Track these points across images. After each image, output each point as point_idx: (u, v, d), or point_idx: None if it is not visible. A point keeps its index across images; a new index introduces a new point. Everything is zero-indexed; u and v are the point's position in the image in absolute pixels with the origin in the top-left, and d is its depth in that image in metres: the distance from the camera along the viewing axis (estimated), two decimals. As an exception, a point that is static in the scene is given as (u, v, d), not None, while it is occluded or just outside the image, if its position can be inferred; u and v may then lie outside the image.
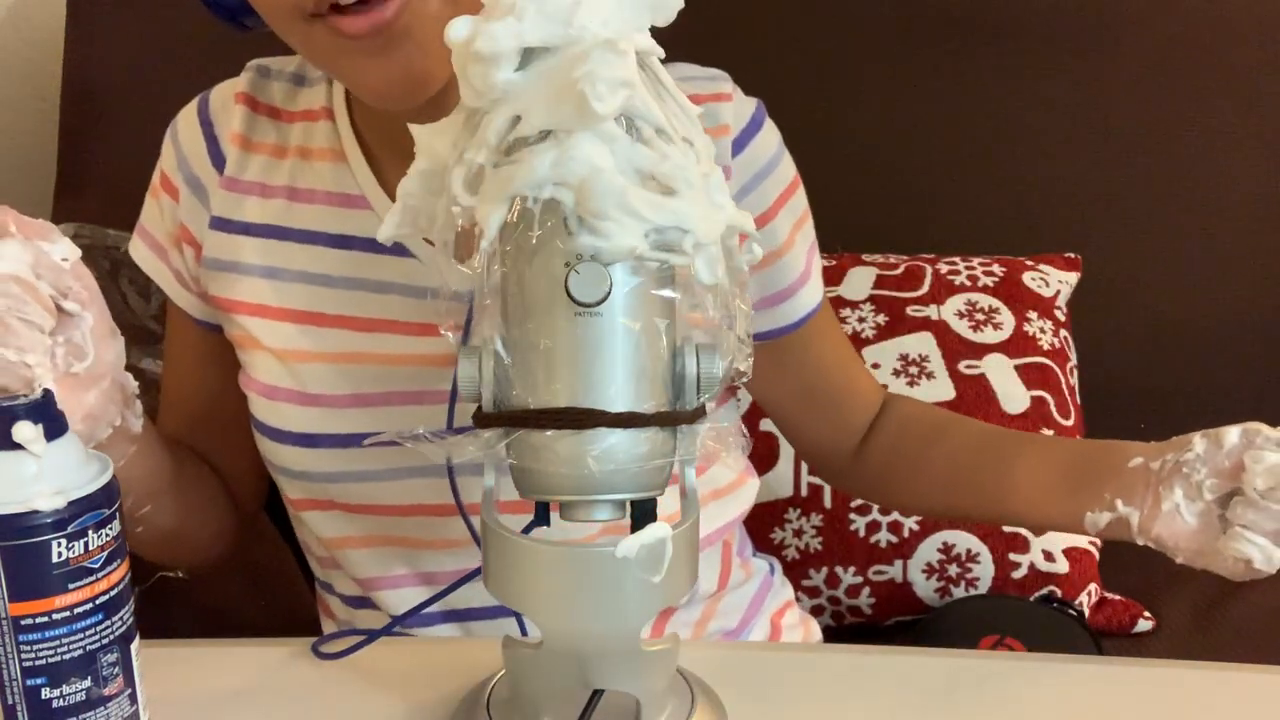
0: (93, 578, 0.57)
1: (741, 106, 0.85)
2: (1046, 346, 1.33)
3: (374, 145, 0.83)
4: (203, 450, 0.91)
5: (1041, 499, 0.83)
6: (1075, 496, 0.80)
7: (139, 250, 0.89)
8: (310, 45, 0.73)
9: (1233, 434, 0.72)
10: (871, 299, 1.33)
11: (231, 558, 0.96)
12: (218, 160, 0.85)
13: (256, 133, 0.85)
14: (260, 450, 0.86)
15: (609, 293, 0.55)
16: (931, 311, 1.31)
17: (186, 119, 0.87)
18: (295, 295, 0.82)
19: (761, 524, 1.25)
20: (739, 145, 0.84)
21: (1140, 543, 0.77)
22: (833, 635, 1.21)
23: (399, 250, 0.80)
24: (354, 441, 0.80)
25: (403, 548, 0.84)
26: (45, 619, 0.57)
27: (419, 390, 0.80)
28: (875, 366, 1.28)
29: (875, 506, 1.24)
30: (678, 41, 0.78)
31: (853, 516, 1.24)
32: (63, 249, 0.67)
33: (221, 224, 0.84)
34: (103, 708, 0.59)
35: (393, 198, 0.81)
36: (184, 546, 0.88)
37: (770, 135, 0.86)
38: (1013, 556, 1.24)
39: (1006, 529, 1.24)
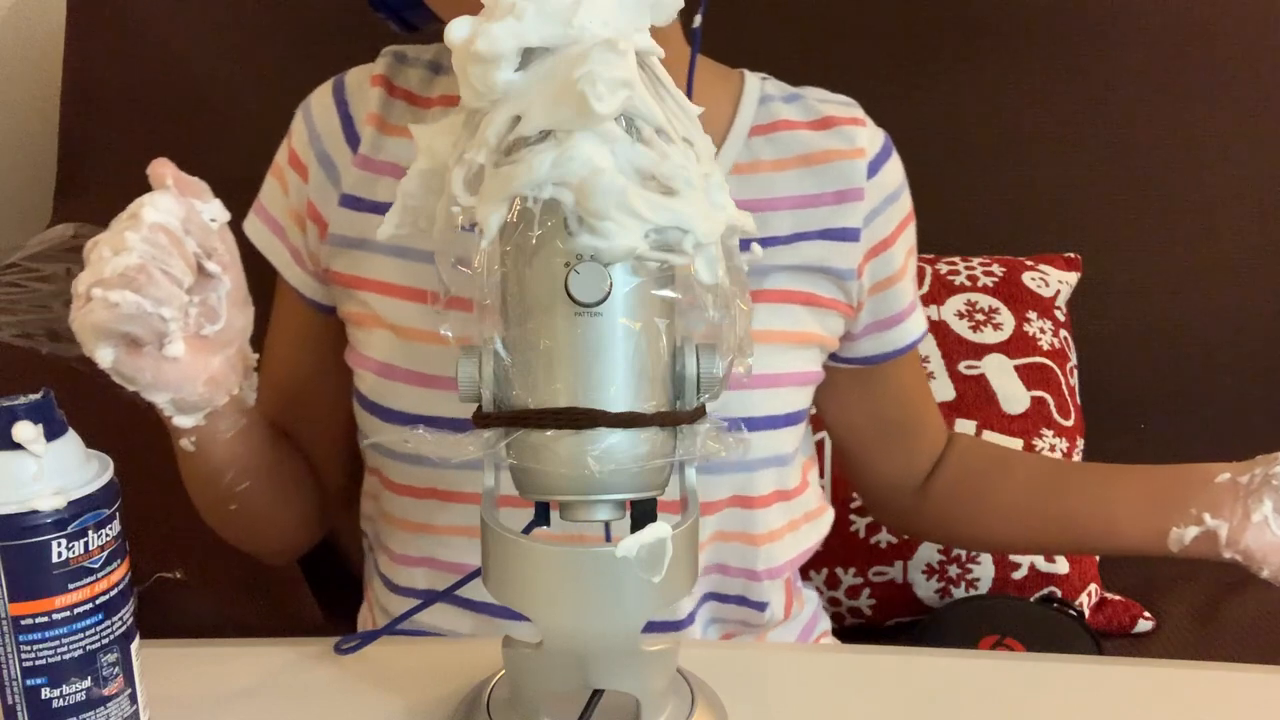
0: (93, 578, 0.57)
1: (874, 133, 0.88)
2: (1046, 347, 1.33)
3: None
4: (293, 433, 0.90)
5: (1124, 520, 0.85)
6: (1160, 514, 0.82)
7: (254, 227, 0.89)
8: None
9: None
10: (871, 299, 1.34)
11: (310, 548, 0.95)
12: (352, 139, 0.85)
13: (393, 115, 0.85)
14: (363, 430, 0.86)
15: (609, 293, 0.55)
16: (931, 312, 1.32)
17: (320, 98, 0.88)
18: (423, 275, 0.82)
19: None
20: (873, 169, 0.87)
21: (1227, 556, 0.80)
22: (833, 636, 1.21)
23: None
24: (468, 427, 0.81)
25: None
26: (45, 619, 0.57)
27: None
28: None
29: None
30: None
31: (853, 517, 1.24)
32: (213, 209, 0.68)
33: (353, 202, 0.84)
34: (103, 708, 0.59)
35: None
36: (272, 529, 0.88)
37: (898, 164, 0.89)
38: (1013, 557, 1.24)
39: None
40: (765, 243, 0.84)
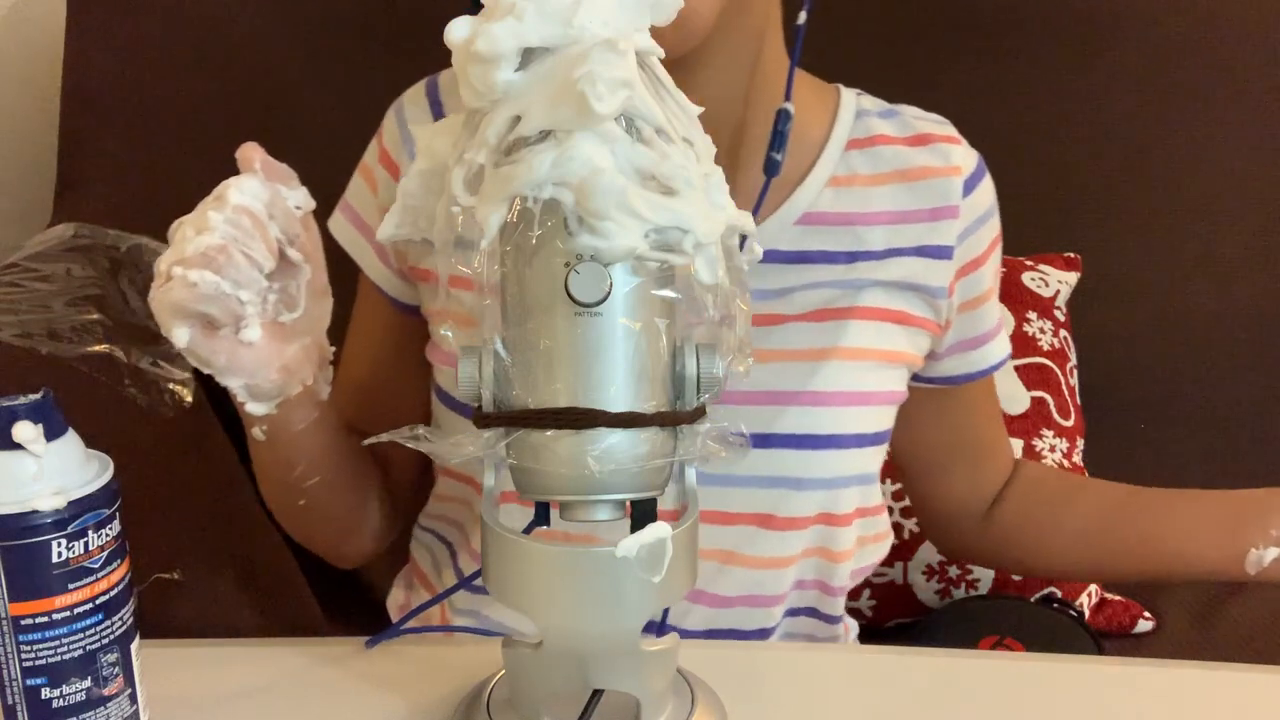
0: (93, 578, 0.57)
1: (969, 152, 0.88)
2: (1046, 347, 1.33)
3: None
4: (368, 432, 0.89)
5: (1200, 543, 0.86)
6: (1236, 536, 0.83)
7: (339, 225, 0.89)
8: None
9: None
10: (871, 299, 1.33)
11: (376, 554, 0.95)
12: None
13: None
14: (437, 425, 0.86)
15: (609, 293, 0.55)
16: (931, 312, 1.31)
17: (413, 98, 0.88)
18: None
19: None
20: (969, 187, 0.87)
21: None
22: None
23: None
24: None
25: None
26: (45, 619, 0.57)
27: None
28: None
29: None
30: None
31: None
32: (298, 197, 0.68)
33: None
34: (103, 708, 0.59)
35: None
36: (341, 528, 0.88)
37: (990, 185, 0.89)
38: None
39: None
40: (859, 257, 0.84)
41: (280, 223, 0.66)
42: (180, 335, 0.64)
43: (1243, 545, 0.83)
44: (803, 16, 0.81)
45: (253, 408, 0.70)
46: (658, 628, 0.82)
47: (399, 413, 0.88)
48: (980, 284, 0.89)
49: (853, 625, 0.98)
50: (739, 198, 0.83)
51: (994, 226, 0.90)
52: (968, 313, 0.89)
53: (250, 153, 0.67)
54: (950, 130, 0.89)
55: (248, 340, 0.66)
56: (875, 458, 0.86)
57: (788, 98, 0.81)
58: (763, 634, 0.85)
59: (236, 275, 0.63)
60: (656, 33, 0.71)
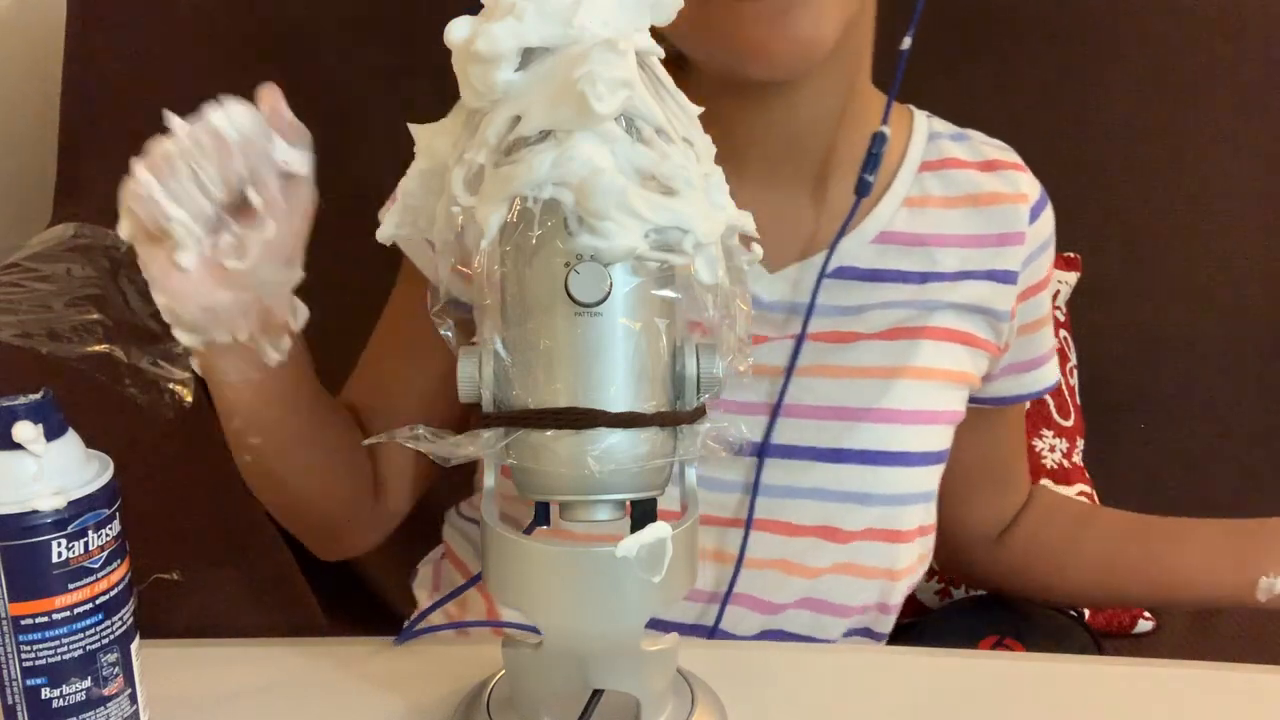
0: (93, 578, 0.57)
1: (1033, 180, 0.91)
2: (1046, 347, 1.33)
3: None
4: (370, 421, 0.88)
5: (1212, 572, 0.88)
6: (1247, 564, 0.85)
7: (411, 243, 0.87)
8: (703, 20, 0.73)
9: None
10: (871, 299, 1.33)
11: (366, 549, 0.94)
12: None
13: None
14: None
15: (609, 293, 0.55)
16: (931, 312, 1.31)
17: None
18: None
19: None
20: (1034, 214, 0.89)
21: None
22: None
23: None
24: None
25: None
26: (45, 619, 0.57)
27: None
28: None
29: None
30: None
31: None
32: (288, 153, 0.65)
33: None
34: (103, 708, 0.59)
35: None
36: (300, 505, 0.87)
37: (1051, 213, 0.91)
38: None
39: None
40: (932, 277, 0.86)
41: (250, 160, 0.63)
42: (122, 227, 0.63)
43: (1254, 573, 0.85)
44: (907, 42, 0.83)
45: (176, 333, 0.67)
46: (709, 633, 0.83)
47: (409, 407, 0.87)
48: (1040, 308, 0.92)
49: None
50: (824, 215, 0.85)
51: (1052, 254, 0.92)
52: (1026, 336, 0.91)
53: (266, 93, 0.65)
54: (1015, 157, 0.91)
55: (180, 264, 0.63)
56: (937, 476, 0.87)
57: (884, 121, 0.84)
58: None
59: (176, 189, 0.61)
60: (777, 57, 0.73)
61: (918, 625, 1.22)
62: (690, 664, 0.68)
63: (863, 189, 0.83)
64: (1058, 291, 1.38)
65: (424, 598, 0.96)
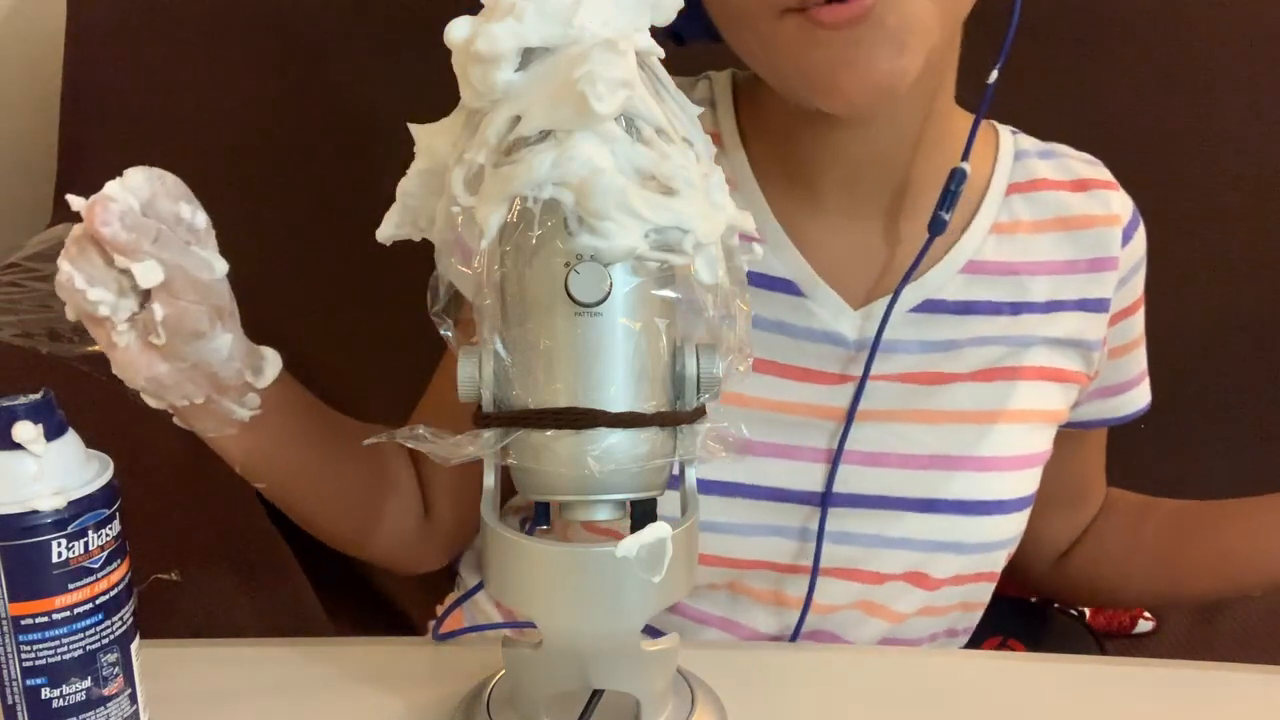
0: (93, 578, 0.57)
1: (1125, 198, 0.87)
2: (1046, 347, 1.33)
3: (766, 177, 0.81)
4: (429, 468, 0.87)
5: (1267, 544, 0.85)
6: None
7: (445, 260, 0.85)
8: (775, 41, 0.69)
9: None
10: (871, 299, 1.33)
11: (426, 568, 0.93)
12: None
13: None
14: None
15: (609, 293, 0.55)
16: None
17: None
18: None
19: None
20: (1127, 236, 0.85)
21: None
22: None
23: None
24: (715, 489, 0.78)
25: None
26: (45, 619, 0.57)
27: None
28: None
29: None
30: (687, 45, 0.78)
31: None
32: (194, 213, 0.64)
33: None
34: (103, 708, 0.59)
35: (787, 230, 0.80)
36: (323, 535, 0.86)
37: (1143, 232, 0.87)
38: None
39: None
40: (1023, 308, 0.82)
41: (160, 228, 0.61)
42: (68, 312, 0.63)
43: None
44: (994, 76, 0.78)
45: (144, 397, 0.67)
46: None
47: None
48: (1132, 330, 0.88)
49: None
50: (899, 244, 0.81)
51: (1144, 276, 0.88)
52: (1116, 360, 0.88)
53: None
54: (1106, 174, 0.88)
55: (118, 343, 0.63)
56: (1027, 517, 0.85)
57: (965, 157, 0.79)
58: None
59: (92, 272, 0.60)
60: (851, 92, 0.68)
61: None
62: (690, 664, 0.68)
63: (937, 227, 0.78)
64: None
65: (470, 579, 0.95)
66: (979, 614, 0.88)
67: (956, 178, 0.78)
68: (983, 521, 0.81)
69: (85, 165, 1.34)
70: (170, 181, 0.64)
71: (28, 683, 0.57)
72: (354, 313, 1.22)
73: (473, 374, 0.57)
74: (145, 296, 0.62)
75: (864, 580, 0.81)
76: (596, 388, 0.55)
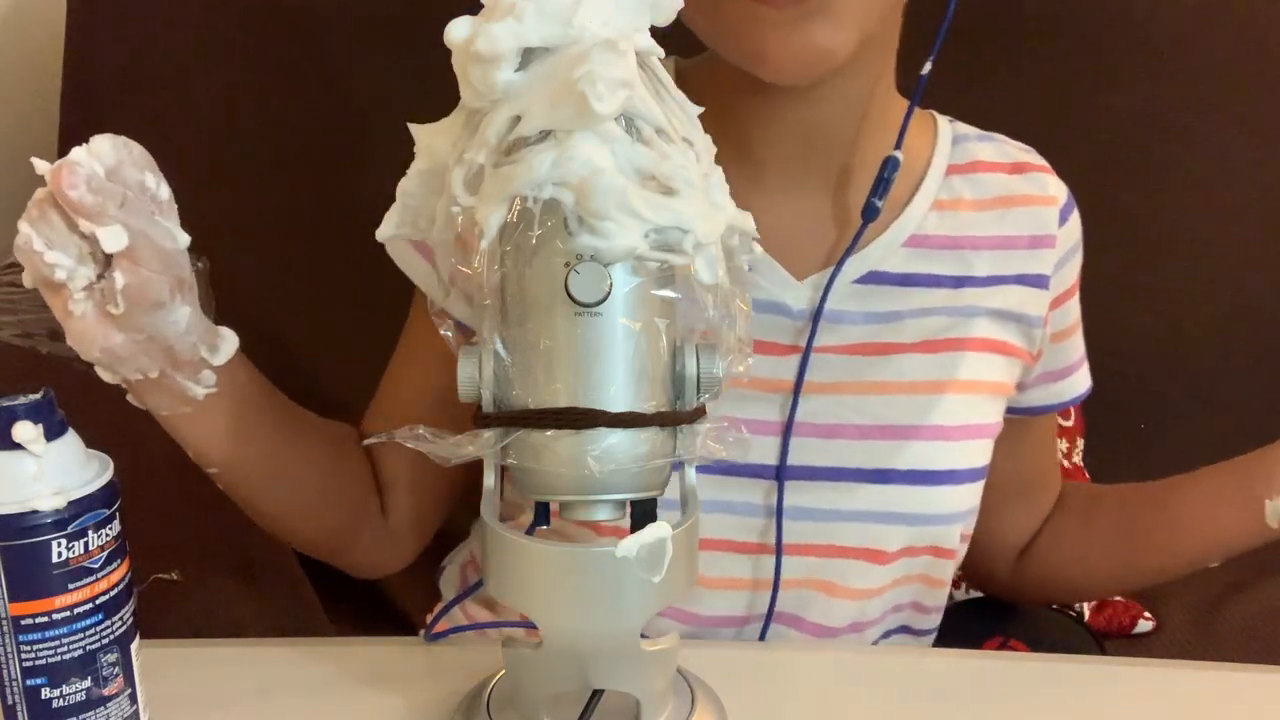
0: (93, 578, 0.57)
1: (1059, 182, 0.90)
2: (1046, 347, 1.33)
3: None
4: (391, 452, 0.87)
5: (1219, 514, 0.85)
6: (1250, 495, 0.83)
7: (399, 248, 0.85)
8: (719, 16, 0.73)
9: None
10: (871, 299, 1.33)
11: (381, 571, 0.93)
12: None
13: None
14: None
15: (609, 293, 0.55)
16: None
17: None
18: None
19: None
20: (1063, 217, 0.88)
21: None
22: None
23: None
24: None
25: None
26: (45, 619, 0.57)
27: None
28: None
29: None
30: (685, 41, 0.78)
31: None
32: (157, 183, 0.64)
33: None
34: (103, 708, 0.59)
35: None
36: (276, 528, 0.86)
37: (1078, 219, 0.90)
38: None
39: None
40: (966, 281, 0.85)
41: (125, 195, 0.61)
42: (25, 277, 0.62)
43: (1258, 499, 0.82)
44: (927, 67, 0.82)
45: (99, 372, 0.67)
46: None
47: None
48: (1070, 314, 0.90)
49: None
50: (845, 221, 0.84)
51: (1080, 258, 0.91)
52: (1058, 344, 0.90)
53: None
54: (1041, 160, 0.90)
55: (72, 311, 0.62)
56: (980, 489, 0.86)
57: (898, 145, 0.82)
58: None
59: (51, 235, 0.60)
60: (787, 64, 0.71)
61: (918, 626, 1.22)
62: (690, 664, 0.68)
63: (869, 213, 0.81)
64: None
65: (450, 594, 0.95)
66: (943, 593, 0.88)
67: (890, 165, 0.81)
68: (934, 492, 0.82)
69: (85, 165, 1.34)
70: (136, 151, 0.64)
71: (28, 683, 0.57)
72: (354, 313, 1.21)
73: (473, 374, 0.57)
74: (105, 265, 0.62)
75: (819, 554, 0.82)
76: (596, 388, 0.55)
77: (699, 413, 0.58)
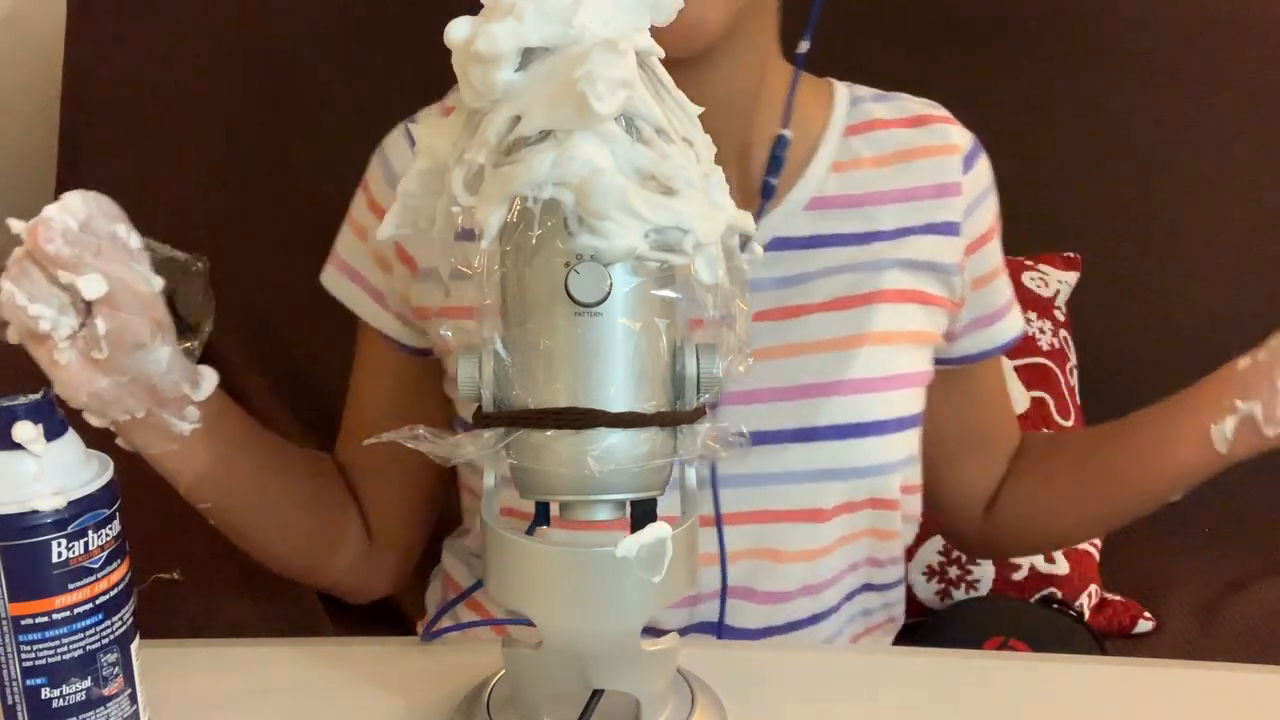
0: (93, 578, 0.57)
1: (963, 131, 0.90)
2: (1046, 347, 1.33)
3: None
4: (368, 476, 0.91)
5: (1173, 442, 0.85)
6: (1199, 421, 0.83)
7: (332, 278, 0.90)
8: None
9: None
10: (871, 299, 1.33)
11: (376, 593, 0.96)
12: None
13: None
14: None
15: (609, 293, 0.55)
16: (931, 312, 1.31)
17: (394, 141, 0.88)
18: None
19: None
20: (968, 163, 0.89)
21: (1270, 433, 0.80)
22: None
23: None
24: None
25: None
26: (45, 619, 0.57)
27: None
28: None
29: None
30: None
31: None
32: (129, 233, 0.66)
33: None
34: (103, 708, 0.59)
35: None
36: (265, 558, 0.88)
37: (987, 162, 0.91)
38: (1013, 558, 1.24)
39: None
40: (873, 237, 0.85)
41: (99, 248, 0.65)
42: (9, 333, 0.65)
43: (1205, 423, 0.82)
44: (804, 45, 0.83)
45: (85, 416, 0.69)
46: (717, 629, 0.82)
47: (418, 455, 0.88)
48: (989, 259, 0.91)
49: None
50: (744, 200, 0.83)
51: (994, 203, 0.91)
52: (980, 289, 0.90)
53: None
54: (943, 111, 0.91)
55: (59, 360, 0.65)
56: (916, 439, 0.87)
57: (786, 121, 0.84)
58: (820, 618, 0.86)
59: (33, 289, 0.63)
60: (658, 33, 0.71)
61: (922, 625, 1.22)
62: (690, 664, 0.68)
63: (766, 192, 0.83)
64: (1058, 292, 1.38)
65: (433, 608, 0.97)
66: (897, 544, 0.88)
67: (780, 144, 0.83)
68: (862, 444, 0.82)
69: (85, 165, 1.35)
70: (105, 203, 0.67)
71: (28, 683, 0.57)
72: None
73: (473, 374, 0.57)
74: (85, 314, 0.65)
75: (759, 520, 0.82)
76: (596, 388, 0.55)
77: (699, 413, 0.58)
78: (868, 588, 0.89)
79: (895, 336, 0.84)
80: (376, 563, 0.93)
